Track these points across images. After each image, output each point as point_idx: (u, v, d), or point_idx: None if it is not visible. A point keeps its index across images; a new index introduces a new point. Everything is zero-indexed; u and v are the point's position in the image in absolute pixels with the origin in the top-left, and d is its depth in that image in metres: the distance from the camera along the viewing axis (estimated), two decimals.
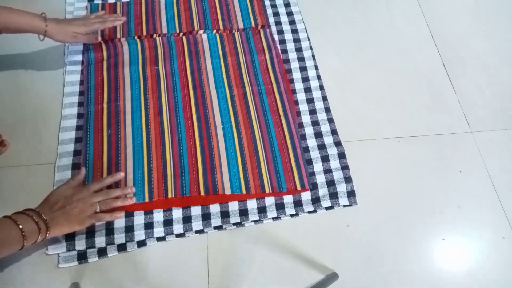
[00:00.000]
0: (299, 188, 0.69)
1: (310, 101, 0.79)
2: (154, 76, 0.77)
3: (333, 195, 0.69)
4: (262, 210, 0.67)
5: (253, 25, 0.87)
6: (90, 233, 0.62)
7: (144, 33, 0.82)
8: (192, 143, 0.71)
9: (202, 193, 0.67)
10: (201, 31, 0.83)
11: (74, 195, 0.57)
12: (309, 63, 0.83)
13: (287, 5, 0.92)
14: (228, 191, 0.67)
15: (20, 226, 0.49)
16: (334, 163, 0.72)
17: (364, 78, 0.84)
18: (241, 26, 0.86)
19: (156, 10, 0.86)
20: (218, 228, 0.65)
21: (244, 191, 0.67)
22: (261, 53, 0.82)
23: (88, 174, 0.66)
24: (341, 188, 0.70)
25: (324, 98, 0.79)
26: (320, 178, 0.71)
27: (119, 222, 0.63)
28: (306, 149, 0.74)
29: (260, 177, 0.69)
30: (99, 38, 0.78)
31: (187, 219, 0.65)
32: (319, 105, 0.78)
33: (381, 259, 0.66)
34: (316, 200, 0.69)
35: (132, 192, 0.64)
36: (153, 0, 0.87)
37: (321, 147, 0.74)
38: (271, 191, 0.68)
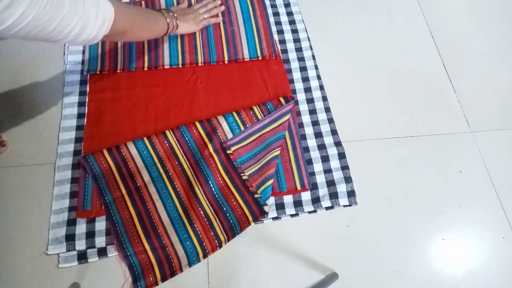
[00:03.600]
0: (299, 188, 0.69)
1: (310, 101, 0.79)
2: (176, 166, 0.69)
3: (333, 195, 0.69)
4: None
5: (254, 27, 0.86)
6: (90, 233, 0.62)
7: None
8: (197, 133, 0.71)
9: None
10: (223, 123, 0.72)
11: (187, 10, 0.82)
12: (309, 63, 0.83)
13: (287, 5, 0.91)
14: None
15: (167, 20, 0.71)
16: (334, 163, 0.72)
17: (364, 78, 0.84)
18: (242, 26, 0.86)
19: None
20: None
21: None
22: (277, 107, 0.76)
23: (87, 173, 0.66)
24: (341, 188, 0.70)
25: (324, 98, 0.79)
26: (320, 178, 0.71)
27: None
28: (306, 149, 0.74)
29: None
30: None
31: None
32: (319, 105, 0.78)
33: (381, 259, 0.66)
34: (316, 200, 0.69)
35: (220, 2, 0.87)
36: (153, 2, 0.87)
37: (321, 147, 0.74)
38: (271, 191, 0.68)
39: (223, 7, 0.86)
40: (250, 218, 0.64)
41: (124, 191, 0.65)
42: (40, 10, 0.41)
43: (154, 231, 0.62)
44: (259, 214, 0.65)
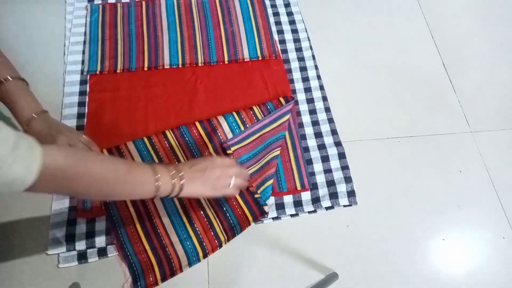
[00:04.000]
0: (299, 188, 0.69)
1: (310, 101, 0.79)
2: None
3: (333, 195, 0.69)
4: None
5: (254, 27, 0.86)
6: (90, 233, 0.62)
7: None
8: (197, 133, 0.71)
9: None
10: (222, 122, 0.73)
11: (215, 161, 0.56)
12: (309, 63, 0.83)
13: (287, 5, 0.92)
14: None
15: (158, 178, 0.48)
16: (334, 163, 0.72)
17: (364, 78, 0.84)
18: (242, 26, 0.86)
19: (157, 13, 0.86)
20: None
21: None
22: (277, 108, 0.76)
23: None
24: (341, 188, 0.70)
25: (324, 98, 0.79)
26: (320, 178, 0.71)
27: None
28: (306, 149, 0.74)
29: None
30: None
31: None
32: (319, 105, 0.78)
33: (381, 259, 0.66)
34: (316, 200, 0.69)
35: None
36: (153, 2, 0.87)
37: (321, 147, 0.74)
38: (271, 191, 0.68)
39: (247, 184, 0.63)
40: (250, 218, 0.64)
41: None
42: None
43: (154, 231, 0.62)
44: (259, 214, 0.65)
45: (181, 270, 0.60)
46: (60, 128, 0.58)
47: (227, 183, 0.55)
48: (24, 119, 0.55)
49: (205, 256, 0.62)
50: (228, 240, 0.63)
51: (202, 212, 0.64)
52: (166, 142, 0.70)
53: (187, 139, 0.70)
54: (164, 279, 0.59)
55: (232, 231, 0.64)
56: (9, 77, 0.55)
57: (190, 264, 0.61)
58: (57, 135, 0.56)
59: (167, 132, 0.71)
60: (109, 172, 0.44)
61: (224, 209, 0.65)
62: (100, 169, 0.43)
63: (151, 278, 0.59)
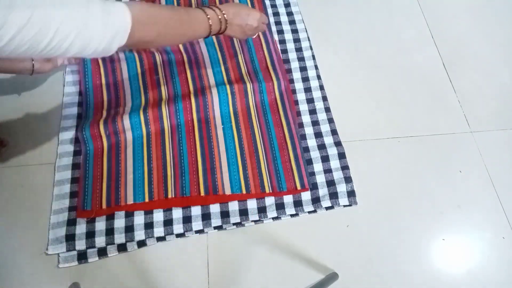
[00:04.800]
0: (299, 187, 0.69)
1: (310, 101, 0.79)
2: (154, 80, 0.77)
3: (333, 195, 0.69)
4: (262, 210, 0.67)
5: None
6: (90, 233, 0.62)
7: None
8: (192, 143, 0.71)
9: (202, 193, 0.67)
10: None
11: (249, 17, 0.65)
12: (309, 63, 0.83)
13: (287, 5, 0.91)
14: (228, 191, 0.67)
15: (208, 16, 0.58)
16: (334, 163, 0.72)
17: (364, 78, 0.84)
18: None
19: None
20: (218, 228, 0.65)
21: (244, 191, 0.67)
22: (259, 51, 0.82)
23: (88, 173, 0.66)
24: (341, 188, 0.70)
25: (324, 98, 0.79)
26: (320, 178, 0.71)
27: (119, 222, 0.63)
28: (306, 149, 0.74)
29: (260, 177, 0.69)
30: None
31: (187, 219, 0.65)
32: (319, 105, 0.78)
33: (381, 259, 0.66)
34: (316, 200, 0.69)
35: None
36: (153, 2, 0.87)
37: (321, 147, 0.74)
38: (271, 191, 0.68)
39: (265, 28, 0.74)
40: (298, 183, 0.69)
41: (105, 112, 0.72)
42: (21, 25, 0.34)
43: (116, 160, 0.68)
44: (307, 182, 0.69)
45: (125, 202, 0.64)
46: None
47: (253, 27, 0.66)
48: (28, 72, 0.65)
49: (150, 197, 0.66)
50: (273, 191, 0.68)
51: (254, 153, 0.72)
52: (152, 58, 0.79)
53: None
54: (109, 206, 0.64)
55: (277, 185, 0.68)
56: None
57: (134, 199, 0.65)
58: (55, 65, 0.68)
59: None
60: (174, 14, 0.54)
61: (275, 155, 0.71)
62: (168, 12, 0.53)
63: (96, 202, 0.64)
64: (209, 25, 0.58)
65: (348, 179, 0.71)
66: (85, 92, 0.75)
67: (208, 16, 0.58)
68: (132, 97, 0.74)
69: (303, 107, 0.78)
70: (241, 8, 0.65)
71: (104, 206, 0.64)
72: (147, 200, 0.65)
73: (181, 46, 0.81)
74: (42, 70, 0.67)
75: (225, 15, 0.61)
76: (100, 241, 0.62)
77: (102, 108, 0.73)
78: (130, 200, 0.65)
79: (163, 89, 0.76)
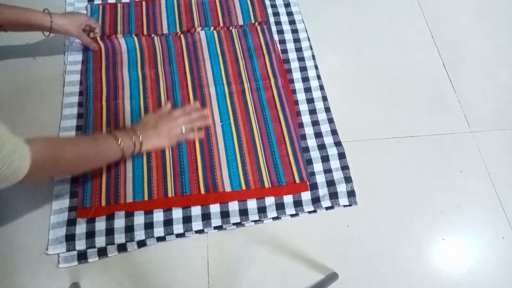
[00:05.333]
0: (297, 181, 0.69)
1: (310, 101, 0.79)
2: (153, 76, 0.77)
3: (333, 195, 0.69)
4: (262, 210, 0.67)
5: (252, 22, 0.87)
6: (90, 233, 0.62)
7: (145, 34, 0.82)
8: (192, 141, 0.71)
9: (202, 191, 0.67)
10: (199, 29, 0.83)
11: (162, 117, 0.68)
12: (309, 63, 0.83)
13: (287, 5, 0.92)
14: (228, 188, 0.67)
15: (119, 141, 0.59)
16: (334, 163, 0.72)
17: (364, 78, 0.84)
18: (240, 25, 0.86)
19: (157, 12, 0.86)
20: (218, 228, 0.65)
21: (243, 187, 0.68)
22: (258, 49, 0.82)
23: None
24: (341, 188, 0.70)
25: (324, 98, 0.79)
26: (320, 178, 0.71)
27: (119, 222, 0.63)
28: (306, 149, 0.74)
29: (259, 172, 0.69)
30: (97, 47, 0.78)
31: (187, 219, 0.65)
32: (319, 105, 0.78)
33: (381, 259, 0.66)
34: (316, 200, 0.69)
35: (208, 113, 0.73)
36: (153, 2, 0.87)
37: (321, 147, 0.74)
38: (270, 186, 0.68)
39: (209, 121, 0.72)
40: (297, 176, 0.70)
41: (104, 103, 0.73)
42: None
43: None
44: (305, 177, 0.69)
45: (125, 200, 0.64)
46: (72, 14, 0.73)
47: (179, 132, 0.68)
48: (47, 29, 0.67)
49: (149, 195, 0.66)
50: (272, 185, 0.68)
51: (253, 149, 0.72)
52: (152, 48, 0.80)
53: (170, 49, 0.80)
54: (108, 203, 0.64)
55: (276, 180, 0.69)
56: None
57: (134, 198, 0.65)
58: (76, 19, 0.71)
59: (155, 38, 0.80)
60: (82, 151, 0.55)
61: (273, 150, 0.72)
62: (74, 150, 0.53)
63: (96, 199, 0.64)
64: (120, 148, 0.59)
65: (348, 179, 0.71)
66: (86, 86, 0.75)
67: (118, 138, 0.59)
68: (131, 97, 0.74)
69: (303, 107, 0.78)
70: (159, 115, 0.68)
71: (103, 203, 0.64)
72: (146, 198, 0.65)
73: (183, 40, 0.82)
74: (62, 28, 0.69)
75: (137, 132, 0.63)
76: (100, 241, 0.62)
77: (101, 99, 0.74)
78: (130, 199, 0.65)
79: (162, 82, 0.77)
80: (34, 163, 0.44)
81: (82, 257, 0.61)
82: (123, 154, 0.60)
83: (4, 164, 0.40)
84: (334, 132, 0.76)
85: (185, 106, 0.72)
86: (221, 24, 0.85)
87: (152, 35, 0.82)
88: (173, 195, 0.66)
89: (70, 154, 0.52)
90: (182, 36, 0.83)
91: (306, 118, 0.77)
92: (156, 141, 0.66)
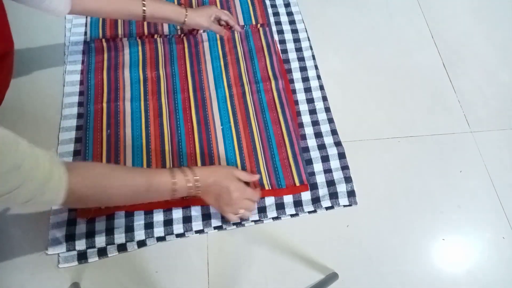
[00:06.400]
0: (297, 184, 0.69)
1: (310, 101, 0.79)
2: (154, 78, 0.77)
3: (333, 195, 0.69)
4: (262, 210, 0.67)
5: (253, 24, 0.87)
6: (90, 233, 0.62)
7: (145, 34, 0.82)
8: (192, 145, 0.71)
9: None
10: (201, 30, 0.83)
11: (231, 186, 0.58)
12: (309, 63, 0.83)
13: (287, 5, 0.92)
14: None
15: (174, 181, 0.52)
16: (334, 163, 0.72)
17: (364, 78, 0.84)
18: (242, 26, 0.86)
19: None
20: (218, 228, 0.65)
21: None
22: (260, 52, 0.82)
23: None
24: (341, 188, 0.70)
25: (324, 98, 0.79)
26: (320, 178, 0.71)
27: (119, 222, 0.63)
28: (306, 149, 0.74)
29: (259, 175, 0.69)
30: (227, 34, 0.82)
31: (187, 219, 0.65)
32: (319, 105, 0.78)
33: (381, 259, 0.66)
34: (316, 200, 0.69)
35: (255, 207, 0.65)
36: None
37: (321, 147, 0.74)
38: (270, 188, 0.68)
39: (254, 211, 0.65)
40: (296, 179, 0.69)
41: (105, 104, 0.73)
42: None
43: (115, 153, 0.68)
44: (305, 179, 0.69)
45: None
46: (203, 8, 0.77)
47: (234, 211, 0.58)
48: (181, 22, 0.72)
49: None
50: (272, 188, 0.68)
51: (253, 152, 0.72)
52: (154, 50, 0.80)
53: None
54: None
55: (276, 183, 0.68)
56: (143, 2, 0.66)
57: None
58: (206, 12, 0.75)
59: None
60: (129, 191, 0.50)
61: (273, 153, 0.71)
62: (119, 191, 0.49)
63: None
64: (172, 192, 0.53)
65: (348, 179, 0.71)
66: (87, 87, 0.75)
67: (175, 181, 0.52)
68: (132, 99, 0.74)
69: (303, 107, 0.78)
70: (234, 186, 0.57)
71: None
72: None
73: (185, 42, 0.82)
74: (194, 20, 0.73)
75: (197, 183, 0.54)
76: (100, 241, 0.62)
77: (102, 100, 0.73)
78: None
79: (163, 84, 0.76)
80: (70, 194, 0.41)
81: (82, 257, 0.61)
82: (174, 195, 0.54)
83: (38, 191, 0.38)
84: (334, 132, 0.76)
85: (255, 193, 0.63)
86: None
87: (155, 37, 0.82)
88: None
89: (116, 189, 0.48)
90: (184, 38, 0.82)
91: (306, 118, 0.77)
92: (210, 200, 0.59)
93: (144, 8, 0.66)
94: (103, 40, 0.80)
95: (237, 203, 0.58)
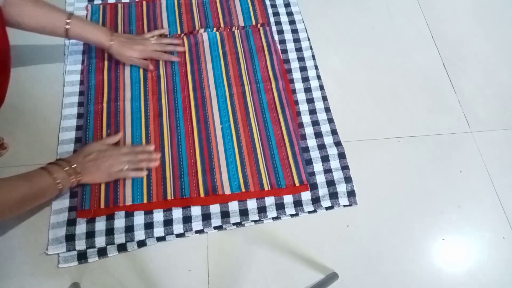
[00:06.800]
0: (297, 184, 0.69)
1: (310, 101, 0.79)
2: (155, 77, 0.77)
3: (333, 195, 0.69)
4: (262, 210, 0.67)
5: (253, 24, 0.87)
6: (90, 233, 0.62)
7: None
8: (191, 144, 0.71)
9: (202, 194, 0.66)
10: (202, 30, 0.83)
11: (106, 151, 0.64)
12: (309, 63, 0.83)
13: (287, 5, 0.92)
14: (227, 191, 0.67)
15: (54, 176, 0.56)
16: (334, 163, 0.72)
17: (364, 78, 0.84)
18: (242, 26, 0.86)
19: (157, 12, 0.86)
20: (218, 228, 0.65)
21: (243, 190, 0.68)
22: (260, 51, 0.82)
23: None
24: (341, 188, 0.70)
25: (324, 98, 0.79)
26: (320, 178, 0.71)
27: (119, 222, 0.63)
28: (306, 149, 0.74)
29: (258, 175, 0.69)
30: (155, 70, 0.77)
31: (187, 219, 0.65)
32: (319, 105, 0.78)
33: (381, 259, 0.66)
34: (316, 200, 0.69)
35: (158, 157, 0.68)
36: (154, 2, 0.87)
37: (321, 147, 0.74)
38: (269, 188, 0.68)
39: (157, 163, 0.68)
40: (296, 180, 0.69)
41: (105, 105, 0.73)
42: None
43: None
44: (305, 179, 0.69)
45: (124, 203, 0.64)
46: (134, 36, 0.76)
47: (119, 170, 0.64)
48: (106, 46, 0.69)
49: (149, 198, 0.65)
50: (272, 188, 0.68)
51: (252, 151, 0.72)
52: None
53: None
54: (107, 206, 0.64)
55: (276, 183, 0.68)
56: (66, 21, 0.64)
57: (133, 200, 0.64)
58: (138, 43, 0.73)
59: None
60: (14, 196, 0.51)
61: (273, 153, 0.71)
62: (4, 198, 0.50)
63: (95, 201, 0.64)
64: (57, 186, 0.56)
65: (348, 179, 0.71)
66: (88, 87, 0.75)
67: (55, 177, 0.55)
68: (132, 98, 0.74)
69: (303, 107, 0.78)
70: (105, 152, 0.63)
71: (102, 206, 0.64)
72: (145, 201, 0.65)
73: (185, 41, 0.82)
74: (115, 56, 0.72)
75: (74, 166, 0.59)
76: (100, 241, 0.62)
77: (103, 101, 0.73)
78: (129, 201, 0.65)
79: (163, 84, 0.76)
80: None
81: (82, 257, 0.61)
82: (61, 189, 0.57)
83: None
84: (334, 132, 0.76)
85: (136, 146, 0.68)
86: (222, 24, 0.85)
87: None
88: (172, 198, 0.66)
89: (2, 204, 0.49)
90: (184, 37, 0.82)
91: (306, 118, 0.77)
92: (94, 175, 0.62)
93: (67, 26, 0.64)
94: None
95: (115, 159, 0.63)
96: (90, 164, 0.62)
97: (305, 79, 0.81)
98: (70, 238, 0.61)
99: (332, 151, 0.73)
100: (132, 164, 0.65)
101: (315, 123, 0.76)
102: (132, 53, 0.72)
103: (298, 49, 0.85)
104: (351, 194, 0.70)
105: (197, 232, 0.65)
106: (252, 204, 0.67)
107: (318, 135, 0.75)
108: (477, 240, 0.69)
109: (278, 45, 0.85)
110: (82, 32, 0.67)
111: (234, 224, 0.66)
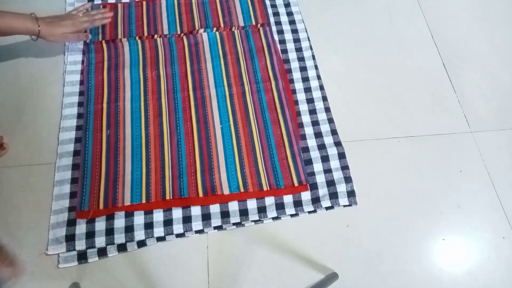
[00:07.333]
0: (296, 184, 0.69)
1: (310, 101, 0.79)
2: (155, 77, 0.77)
3: (333, 195, 0.69)
4: (262, 210, 0.67)
5: (253, 24, 0.87)
6: (90, 233, 0.62)
7: (146, 35, 0.82)
8: (191, 144, 0.71)
9: (201, 194, 0.66)
10: (202, 30, 0.83)
11: (67, 15, 0.74)
12: (309, 63, 0.83)
13: (287, 5, 0.92)
14: (226, 191, 0.67)
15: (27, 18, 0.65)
16: (334, 163, 0.72)
17: (364, 78, 0.84)
18: (242, 26, 0.86)
19: (157, 12, 0.86)
20: (218, 228, 0.65)
21: (242, 190, 0.68)
22: (260, 51, 0.82)
23: (86, 174, 0.66)
24: (341, 188, 0.70)
25: (324, 98, 0.79)
26: (320, 178, 0.71)
27: (119, 222, 0.63)
28: (306, 149, 0.74)
29: (257, 175, 0.69)
30: (89, 36, 0.78)
31: (187, 219, 0.65)
32: (319, 105, 0.78)
33: (381, 259, 0.66)
34: (316, 200, 0.69)
35: (110, 14, 0.80)
36: (154, 2, 0.87)
37: (321, 147, 0.74)
38: (268, 189, 0.68)
39: (110, 15, 0.80)
40: (295, 180, 0.69)
41: (105, 105, 0.73)
42: None
43: (115, 153, 0.69)
44: (304, 180, 0.69)
45: (123, 203, 0.64)
46: (59, 15, 0.75)
47: (81, 26, 0.74)
48: (36, 31, 0.69)
49: (147, 198, 0.66)
50: (270, 188, 0.69)
51: (252, 152, 0.72)
52: (154, 50, 0.80)
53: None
54: (106, 207, 0.64)
55: (275, 183, 0.69)
56: None
57: (132, 200, 0.65)
58: (66, 18, 0.74)
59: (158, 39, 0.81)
60: None
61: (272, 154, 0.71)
62: None
63: (94, 202, 0.64)
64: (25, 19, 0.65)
65: (348, 179, 0.71)
66: (88, 87, 0.75)
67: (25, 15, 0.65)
68: (132, 98, 0.74)
69: (303, 107, 0.78)
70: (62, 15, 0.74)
71: (101, 206, 0.64)
72: (144, 201, 0.65)
73: (185, 41, 0.82)
74: (47, 38, 0.70)
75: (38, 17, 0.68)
76: (100, 241, 0.62)
77: (102, 101, 0.73)
78: (128, 202, 0.65)
79: (163, 84, 0.76)
80: None
81: (82, 257, 0.61)
82: (24, 23, 0.65)
83: None
84: (334, 132, 0.76)
85: (92, 12, 0.78)
86: (222, 24, 0.85)
87: (155, 37, 0.82)
88: (171, 198, 0.66)
89: None
90: (184, 37, 0.82)
91: (306, 118, 0.77)
92: (57, 26, 0.70)
93: None
94: (103, 41, 0.80)
95: (74, 19, 0.74)
96: (52, 20, 0.70)
97: (305, 79, 0.81)
98: (70, 238, 0.61)
99: (332, 151, 0.73)
100: (90, 22, 0.76)
101: (315, 123, 0.76)
102: (63, 29, 0.72)
103: (298, 49, 0.85)
104: (351, 194, 0.70)
105: (197, 232, 0.65)
106: (252, 204, 0.67)
107: (318, 135, 0.75)
108: (477, 240, 0.69)
109: (278, 45, 0.85)
110: (5, 23, 0.66)
111: (234, 224, 0.66)
